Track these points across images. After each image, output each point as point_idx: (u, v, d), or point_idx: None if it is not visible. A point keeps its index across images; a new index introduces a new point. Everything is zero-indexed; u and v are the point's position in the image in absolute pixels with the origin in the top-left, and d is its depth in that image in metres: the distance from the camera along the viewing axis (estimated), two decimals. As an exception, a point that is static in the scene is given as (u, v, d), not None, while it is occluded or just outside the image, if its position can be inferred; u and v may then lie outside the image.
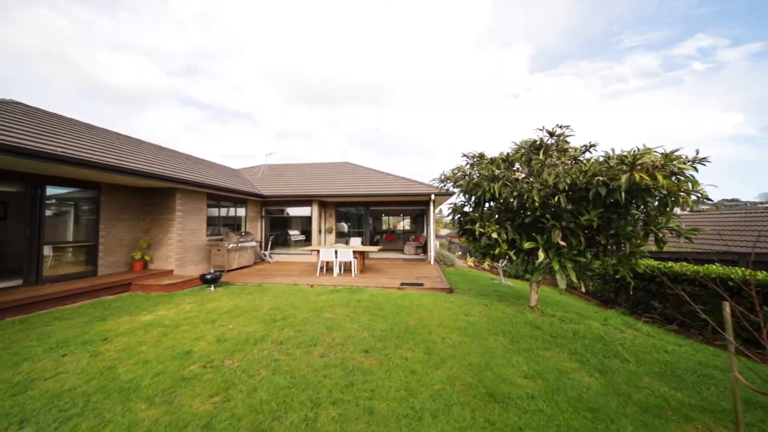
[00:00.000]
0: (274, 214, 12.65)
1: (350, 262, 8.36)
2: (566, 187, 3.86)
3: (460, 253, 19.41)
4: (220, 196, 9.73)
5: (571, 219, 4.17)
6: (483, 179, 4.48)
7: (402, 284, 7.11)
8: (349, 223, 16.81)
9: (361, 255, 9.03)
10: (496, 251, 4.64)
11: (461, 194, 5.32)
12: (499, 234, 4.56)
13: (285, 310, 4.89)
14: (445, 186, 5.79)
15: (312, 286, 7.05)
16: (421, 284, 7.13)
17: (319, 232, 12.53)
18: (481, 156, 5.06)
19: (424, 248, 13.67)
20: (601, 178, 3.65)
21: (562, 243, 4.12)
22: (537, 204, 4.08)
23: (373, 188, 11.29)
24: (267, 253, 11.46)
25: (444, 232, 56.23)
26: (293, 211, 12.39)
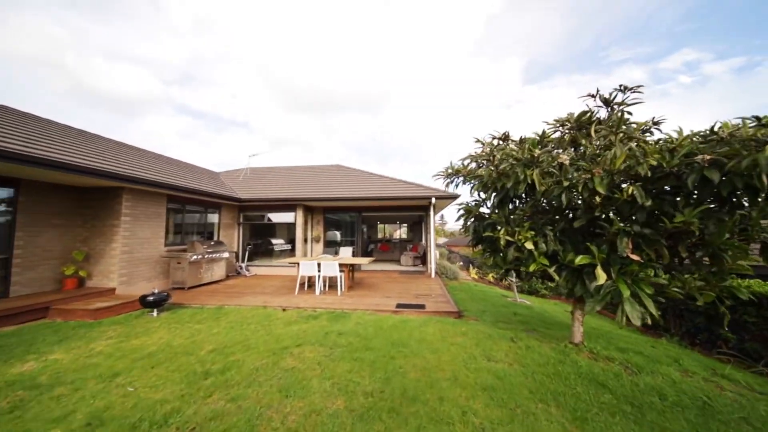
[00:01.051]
0: (254, 221, 11.22)
1: (336, 277, 6.94)
2: (646, 173, 2.54)
3: (461, 263, 18.02)
4: (186, 199, 8.31)
5: (646, 221, 2.84)
6: (515, 165, 3.14)
7: (398, 306, 5.70)
8: (340, 231, 15.41)
9: (349, 268, 7.62)
10: (531, 267, 3.27)
11: (477, 191, 3.99)
12: (535, 244, 3.21)
13: (231, 353, 3.45)
14: (453, 181, 4.47)
15: (284, 309, 5.60)
16: (422, 306, 5.72)
17: (305, 241, 11.10)
18: (505, 137, 3.75)
19: (423, 259, 12.28)
20: (706, 157, 2.34)
21: (635, 257, 2.77)
22: (598, 200, 2.75)
23: (366, 191, 9.95)
24: (243, 265, 9.98)
25: (441, 240, 54.79)
26: (277, 218, 10.97)
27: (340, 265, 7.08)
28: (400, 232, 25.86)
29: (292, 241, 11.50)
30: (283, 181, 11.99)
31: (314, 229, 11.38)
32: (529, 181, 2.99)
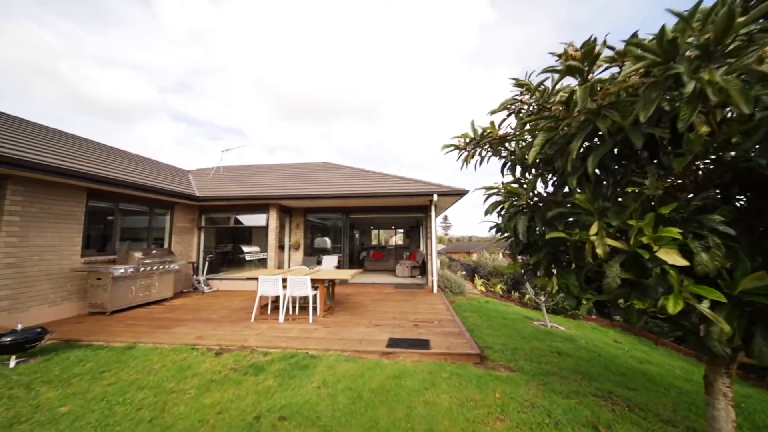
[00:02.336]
0: (220, 224, 9.38)
1: (310, 296, 5.13)
2: None
3: (464, 273, 16.24)
4: (118, 196, 6.47)
5: None
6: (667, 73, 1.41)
7: (391, 344, 3.91)
8: (329, 237, 13.60)
9: (327, 284, 5.83)
10: (671, 304, 1.52)
11: (521, 166, 2.27)
12: (687, 254, 1.47)
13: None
14: (474, 153, 2.75)
15: (218, 353, 3.76)
16: (425, 343, 3.93)
17: (280, 248, 9.28)
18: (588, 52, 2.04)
19: (421, 269, 10.51)
20: None
21: None
22: None
23: (353, 187, 8.21)
24: (202, 278, 8.10)
25: (440, 247, 53.03)
26: (249, 220, 9.13)
27: (314, 281, 5.29)
28: (396, 239, 24.08)
29: (281, 246, 9.68)
30: (258, 179, 10.19)
31: (293, 234, 9.57)
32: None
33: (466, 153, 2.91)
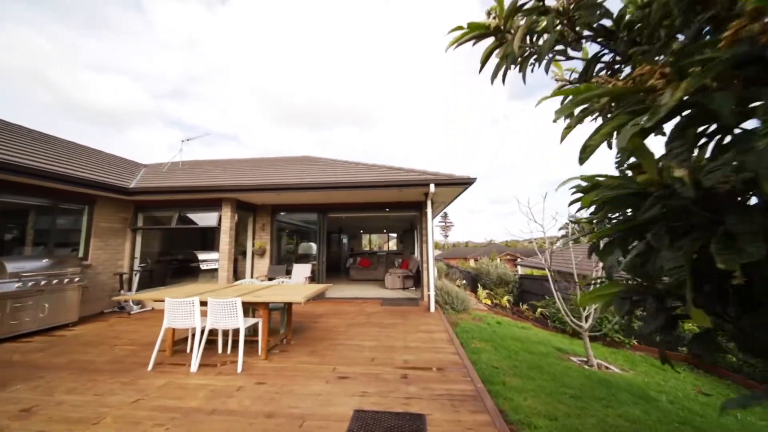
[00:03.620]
0: (164, 224, 7.56)
1: (242, 329, 3.35)
2: None
3: (464, 281, 14.49)
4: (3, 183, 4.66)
5: None
6: None
7: (356, 427, 2.14)
8: (308, 242, 11.80)
9: (282, 306, 4.06)
10: None
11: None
12: None
13: None
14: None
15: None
16: (417, 424, 2.17)
17: (242, 254, 7.49)
18: None
19: (415, 279, 8.77)
20: None
21: None
22: None
23: (329, 177, 6.48)
24: (130, 295, 6.24)
25: (435, 252, 51.31)
26: (201, 220, 7.31)
27: (250, 305, 3.52)
28: (389, 244, 22.30)
29: (242, 252, 7.87)
30: (217, 172, 8.41)
31: (257, 237, 7.78)
32: None
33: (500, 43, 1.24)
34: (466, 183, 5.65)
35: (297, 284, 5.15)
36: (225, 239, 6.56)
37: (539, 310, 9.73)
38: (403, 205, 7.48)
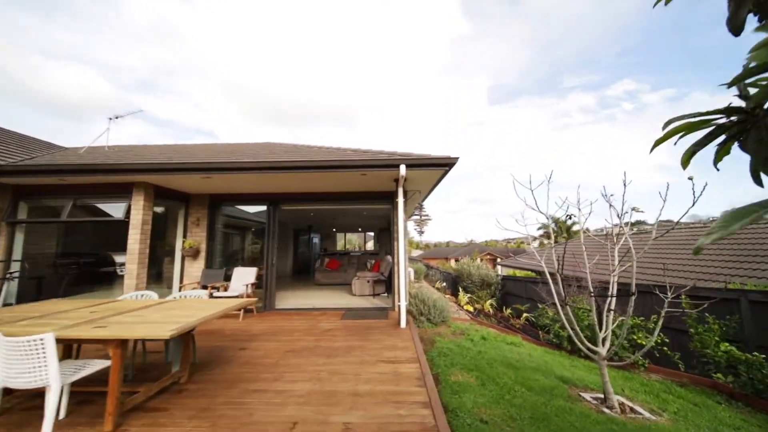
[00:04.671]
0: (57, 217, 5.86)
1: (53, 386, 1.92)
2: None
3: (444, 284, 13.45)
4: None
5: None
6: None
7: None
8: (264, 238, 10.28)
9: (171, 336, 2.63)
10: None
11: None
12: None
13: None
14: None
15: None
16: None
17: (166, 256, 5.95)
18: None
19: (388, 284, 7.52)
20: None
21: None
22: None
23: (278, 157, 5.09)
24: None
25: (416, 253, 50.27)
26: (112, 211, 5.66)
27: (74, 341, 2.12)
28: (365, 245, 20.98)
29: (169, 252, 6.28)
30: (144, 154, 6.77)
31: (190, 234, 6.25)
32: None
33: None
34: (444, 164, 4.45)
35: (211, 301, 3.71)
36: (135, 236, 5.01)
37: (524, 315, 8.81)
38: (373, 196, 6.21)
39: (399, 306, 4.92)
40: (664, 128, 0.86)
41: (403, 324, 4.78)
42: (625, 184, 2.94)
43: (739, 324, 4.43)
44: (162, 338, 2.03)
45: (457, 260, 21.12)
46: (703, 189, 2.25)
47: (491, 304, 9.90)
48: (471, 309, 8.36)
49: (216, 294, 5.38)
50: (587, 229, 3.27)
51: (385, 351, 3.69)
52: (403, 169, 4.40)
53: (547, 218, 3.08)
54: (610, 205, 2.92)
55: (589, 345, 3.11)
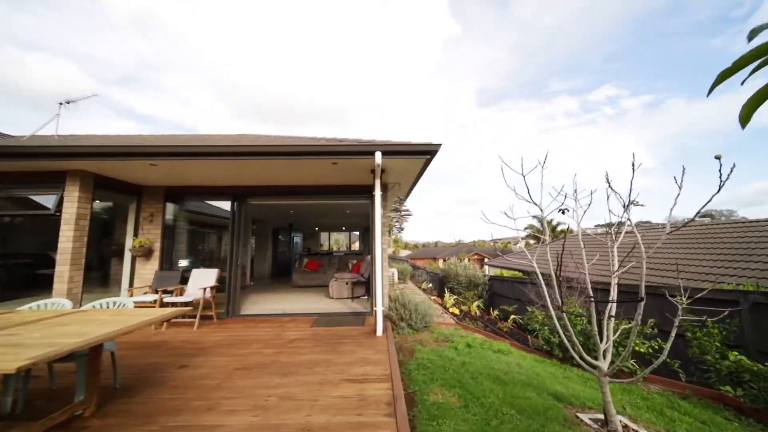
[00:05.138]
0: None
1: None
2: None
3: (430, 285, 13.02)
4: None
5: None
6: None
7: None
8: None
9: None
10: None
11: None
12: None
13: None
14: None
15: None
16: None
17: (112, 255, 5.22)
18: None
19: (368, 285, 6.98)
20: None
21: None
22: None
23: (236, 141, 4.47)
24: None
25: (404, 253, 49.89)
26: (46, 202, 4.88)
27: None
28: (350, 245, 20.37)
29: (118, 252, 5.52)
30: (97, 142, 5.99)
31: (142, 232, 5.53)
32: None
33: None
34: (425, 152, 3.95)
35: (132, 312, 3.05)
36: (68, 233, 4.30)
37: (512, 317, 8.44)
38: (350, 190, 5.66)
39: (376, 310, 4.38)
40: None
41: (379, 332, 4.25)
42: (633, 174, 2.51)
43: (738, 327, 4.13)
44: (7, 371, 1.43)
45: (445, 260, 20.83)
46: (731, 171, 1.82)
47: (478, 306, 9.50)
48: (457, 312, 7.92)
49: (167, 299, 4.71)
50: (570, 230, 2.82)
51: (354, 366, 3.15)
52: (378, 156, 3.88)
53: (541, 210, 2.61)
54: (614, 191, 2.47)
55: (589, 359, 2.66)
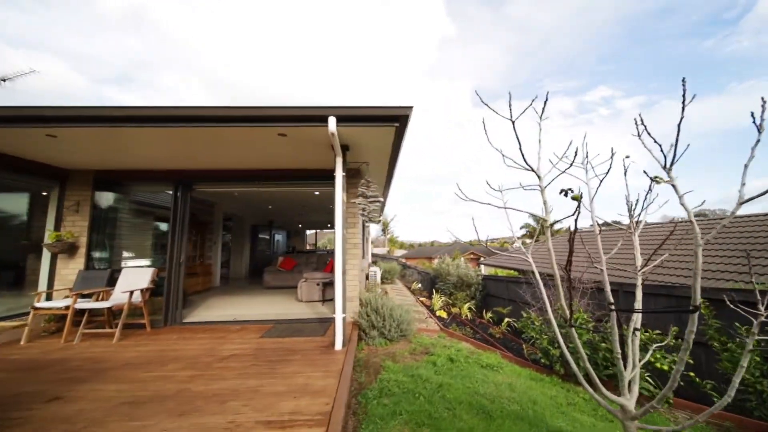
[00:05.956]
0: None
1: None
2: None
3: (420, 285, 12.20)
4: None
5: None
6: None
7: None
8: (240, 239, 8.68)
9: None
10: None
11: None
12: None
13: None
14: None
15: None
16: None
17: (29, 250, 4.33)
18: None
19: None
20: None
21: None
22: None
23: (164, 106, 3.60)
24: None
25: (398, 252, 48.90)
26: None
27: None
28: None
29: (35, 248, 4.61)
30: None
31: (65, 224, 4.64)
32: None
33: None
34: (392, 117, 3.12)
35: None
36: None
37: (506, 320, 7.65)
38: (313, 175, 4.82)
39: (338, 320, 3.53)
40: None
41: (338, 345, 3.41)
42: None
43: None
44: None
45: (439, 258, 20.03)
46: None
47: (470, 308, 8.69)
48: (444, 315, 7.11)
49: (83, 305, 3.83)
50: (570, 231, 2.01)
51: (286, 399, 2.31)
52: (332, 123, 3.04)
53: (538, 176, 1.79)
54: (632, 162, 1.65)
55: (610, 396, 1.84)
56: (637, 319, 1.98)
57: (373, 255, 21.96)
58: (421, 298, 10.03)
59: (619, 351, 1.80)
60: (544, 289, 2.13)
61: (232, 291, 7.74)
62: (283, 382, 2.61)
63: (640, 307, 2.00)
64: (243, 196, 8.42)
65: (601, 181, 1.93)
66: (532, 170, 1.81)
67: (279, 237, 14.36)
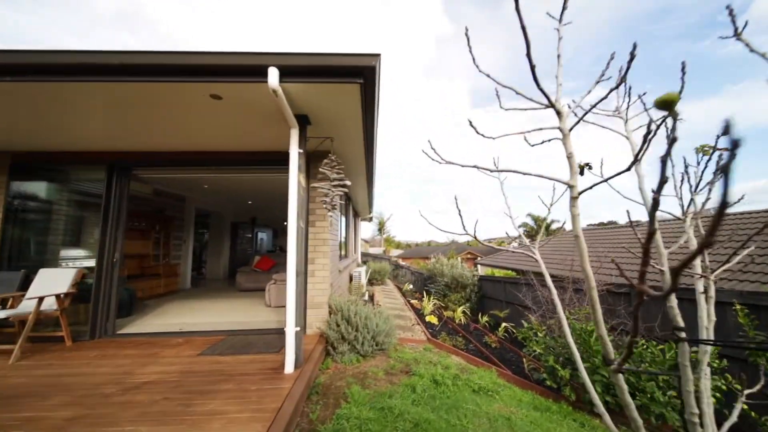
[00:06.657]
0: None
1: None
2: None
3: (411, 286, 11.45)
4: None
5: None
6: None
7: None
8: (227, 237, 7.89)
9: None
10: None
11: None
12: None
13: None
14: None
15: None
16: None
17: None
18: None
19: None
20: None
21: None
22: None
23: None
24: None
25: (395, 252, 48.07)
26: None
27: None
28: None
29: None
30: None
31: (-28, 215, 3.83)
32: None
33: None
34: (351, 69, 2.36)
35: None
36: None
37: (503, 324, 6.94)
38: (273, 158, 4.03)
39: (289, 333, 2.77)
40: None
41: (288, 367, 2.66)
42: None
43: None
44: None
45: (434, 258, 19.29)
46: None
47: (464, 312, 7.96)
48: (435, 321, 6.38)
49: (-26, 316, 3.04)
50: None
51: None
52: (274, 76, 2.27)
53: (558, 112, 1.05)
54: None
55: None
56: (707, 351, 1.25)
57: (366, 254, 21.20)
58: (413, 300, 9.29)
59: (696, 410, 1.06)
60: (556, 291, 1.40)
61: (200, 294, 6.95)
62: (189, 430, 1.85)
63: (710, 327, 1.27)
64: (216, 189, 7.64)
65: (646, 147, 1.19)
66: (550, 103, 1.07)
67: (263, 236, 13.56)
